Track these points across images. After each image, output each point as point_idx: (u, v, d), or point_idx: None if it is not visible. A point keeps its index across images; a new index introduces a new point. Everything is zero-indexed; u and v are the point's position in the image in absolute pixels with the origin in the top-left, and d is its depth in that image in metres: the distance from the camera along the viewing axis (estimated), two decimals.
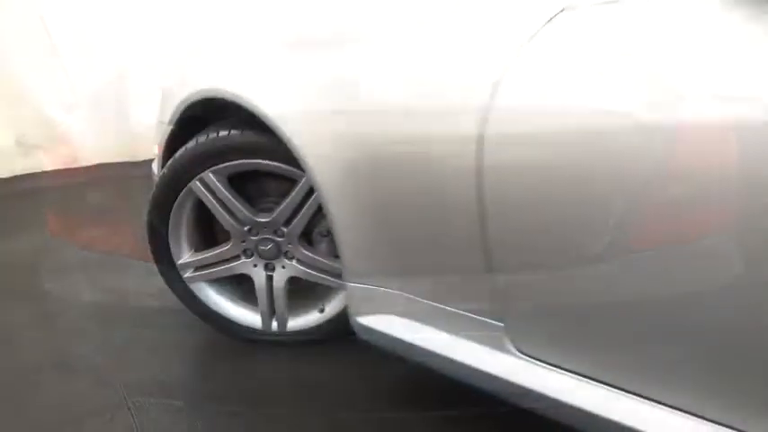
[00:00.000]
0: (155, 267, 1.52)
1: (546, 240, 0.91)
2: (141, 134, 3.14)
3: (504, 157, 0.90)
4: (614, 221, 0.82)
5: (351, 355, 1.48)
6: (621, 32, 0.82)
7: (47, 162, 3.42)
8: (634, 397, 0.87)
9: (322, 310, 1.52)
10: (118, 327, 1.70)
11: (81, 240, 2.29)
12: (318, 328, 1.53)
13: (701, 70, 0.74)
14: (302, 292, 1.54)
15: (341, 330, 1.41)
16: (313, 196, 1.31)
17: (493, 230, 0.94)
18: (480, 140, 0.90)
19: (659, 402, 0.84)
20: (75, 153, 3.55)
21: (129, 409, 1.32)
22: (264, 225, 1.43)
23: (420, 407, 1.33)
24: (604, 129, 0.80)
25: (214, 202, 1.40)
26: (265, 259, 1.48)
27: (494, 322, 1.02)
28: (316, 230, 1.45)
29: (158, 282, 1.55)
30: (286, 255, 1.47)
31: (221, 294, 1.56)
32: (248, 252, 1.48)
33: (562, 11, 0.85)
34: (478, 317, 1.04)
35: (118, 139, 3.47)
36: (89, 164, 3.52)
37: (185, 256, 1.51)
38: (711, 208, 0.75)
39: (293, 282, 1.50)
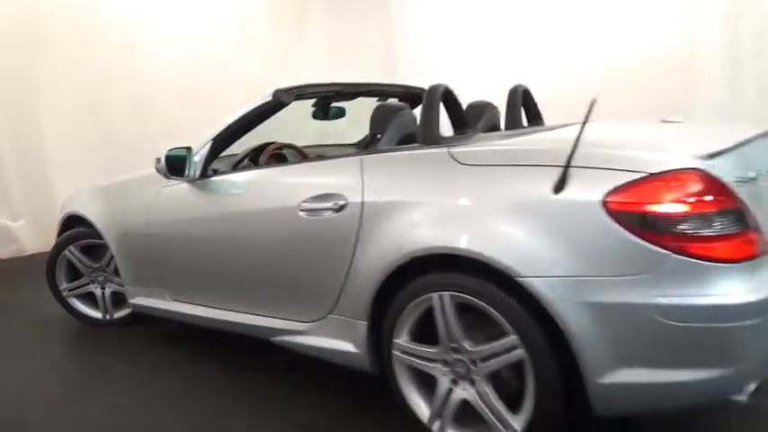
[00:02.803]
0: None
1: (174, 259, 2.77)
2: None
3: (155, 230, 2.78)
4: (176, 252, 2.70)
5: (156, 328, 3.27)
6: (182, 194, 2.73)
7: (2, 253, 5.21)
8: (215, 308, 2.66)
9: (130, 306, 3.33)
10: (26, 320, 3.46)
11: (26, 291, 4.08)
12: (130, 316, 3.32)
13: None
14: (122, 298, 3.34)
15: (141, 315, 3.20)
16: None
17: (159, 256, 2.82)
18: (149, 223, 2.80)
19: (221, 308, 2.65)
20: (21, 247, 5.33)
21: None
22: (98, 268, 3.27)
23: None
24: (176, 220, 2.70)
25: (73, 258, 3.25)
26: (100, 284, 3.31)
27: (163, 290, 2.87)
28: None
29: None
30: (110, 281, 3.30)
31: (81, 302, 3.36)
32: (92, 280, 3.31)
33: (165, 186, 2.77)
34: (160, 288, 2.89)
35: (50, 236, 5.26)
36: (31, 252, 5.29)
37: (64, 284, 3.33)
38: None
39: (115, 293, 3.31)
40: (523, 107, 2.83)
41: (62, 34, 5.21)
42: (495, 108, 2.87)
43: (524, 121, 2.79)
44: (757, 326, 1.47)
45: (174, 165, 2.56)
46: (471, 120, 2.79)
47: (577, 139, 1.58)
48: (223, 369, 2.67)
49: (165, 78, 5.72)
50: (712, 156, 1.57)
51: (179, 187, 2.68)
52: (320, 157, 2.70)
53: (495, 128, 2.81)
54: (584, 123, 1.60)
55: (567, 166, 1.58)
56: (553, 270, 1.57)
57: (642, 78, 4.72)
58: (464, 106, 2.48)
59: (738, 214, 1.52)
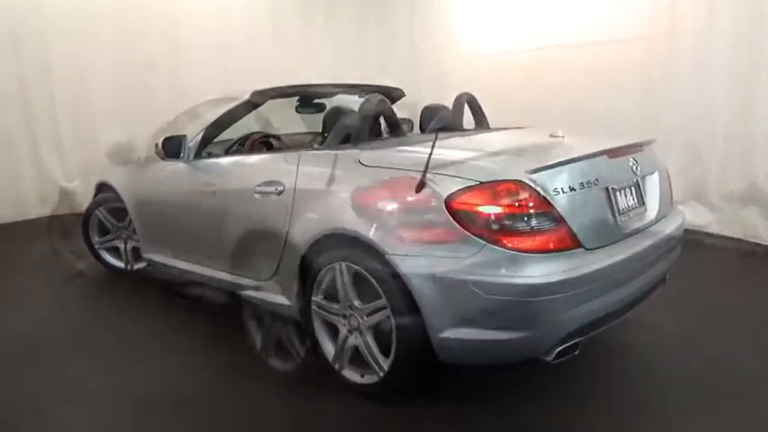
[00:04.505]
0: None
1: (173, 223, 3.43)
2: None
3: (160, 199, 3.45)
4: (173, 218, 3.35)
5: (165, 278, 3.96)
6: (179, 172, 3.36)
7: (59, 209, 6.10)
8: (201, 266, 3.30)
9: (144, 259, 4.04)
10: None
11: (73, 238, 4.89)
12: (147, 266, 4.04)
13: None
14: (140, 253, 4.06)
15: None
16: None
17: (163, 220, 3.49)
18: (156, 193, 3.47)
19: (206, 266, 3.31)
20: (74, 204, 6.20)
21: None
22: (122, 227, 3.99)
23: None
24: (174, 192, 3.35)
25: (102, 218, 3.97)
26: (123, 240, 4.03)
27: (166, 248, 3.54)
28: None
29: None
30: (131, 238, 4.01)
31: (110, 254, 4.10)
32: (118, 237, 4.04)
33: (168, 165, 3.41)
34: (164, 246, 3.56)
35: None
36: (82, 210, 6.13)
37: (96, 239, 4.07)
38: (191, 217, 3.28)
39: (135, 248, 4.03)
40: (471, 112, 3.29)
41: (111, 27, 5.99)
42: (446, 110, 3.32)
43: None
44: (552, 301, 1.95)
45: (171, 148, 3.18)
46: (425, 120, 3.29)
47: (431, 152, 2.07)
48: (199, 315, 3.33)
49: (200, 64, 6.40)
50: (535, 171, 2.02)
51: (177, 166, 3.31)
52: (276, 150, 3.29)
53: (446, 128, 3.26)
54: (435, 141, 2.09)
55: (425, 172, 2.08)
56: (410, 250, 2.08)
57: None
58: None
59: (547, 217, 1.98)
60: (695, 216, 4.78)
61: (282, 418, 2.32)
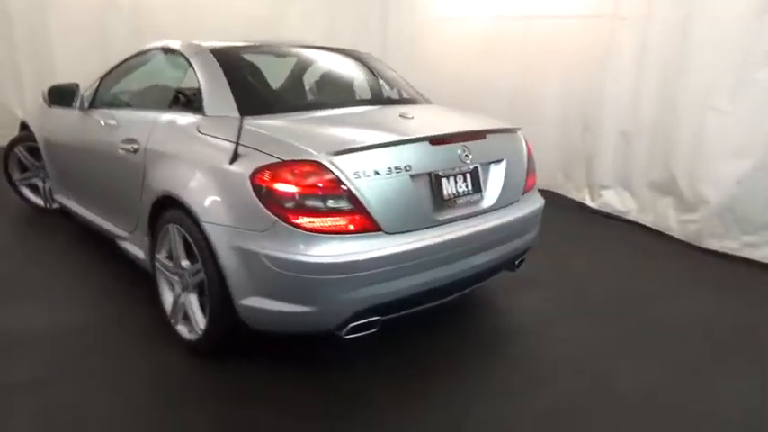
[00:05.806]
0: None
1: (69, 167, 3.54)
2: None
3: (60, 142, 3.55)
4: (72, 164, 3.46)
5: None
6: (75, 118, 3.44)
7: None
8: (90, 212, 3.46)
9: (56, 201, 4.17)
10: None
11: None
12: (62, 206, 4.18)
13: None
14: None
15: None
16: None
17: (63, 164, 3.60)
18: (58, 136, 3.57)
19: (93, 212, 3.44)
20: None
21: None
22: (40, 166, 4.11)
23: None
24: (69, 135, 3.44)
25: (21, 156, 4.09)
26: (41, 179, 4.16)
27: (68, 191, 3.67)
28: None
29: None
30: (47, 176, 4.13)
31: (31, 192, 4.25)
32: (36, 174, 4.17)
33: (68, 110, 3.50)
34: (69, 193, 3.69)
35: None
36: None
37: (16, 175, 4.20)
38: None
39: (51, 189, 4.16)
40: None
41: None
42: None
43: None
44: (337, 281, 2.03)
45: (60, 96, 3.27)
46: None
47: (240, 125, 2.13)
48: (101, 253, 3.48)
49: (162, 7, 6.40)
50: (338, 153, 2.07)
51: (75, 114, 3.39)
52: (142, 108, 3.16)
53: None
54: (242, 122, 2.14)
55: (237, 144, 2.15)
56: (219, 219, 2.17)
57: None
58: None
59: (343, 200, 2.04)
60: (618, 202, 4.80)
61: (110, 365, 2.47)
